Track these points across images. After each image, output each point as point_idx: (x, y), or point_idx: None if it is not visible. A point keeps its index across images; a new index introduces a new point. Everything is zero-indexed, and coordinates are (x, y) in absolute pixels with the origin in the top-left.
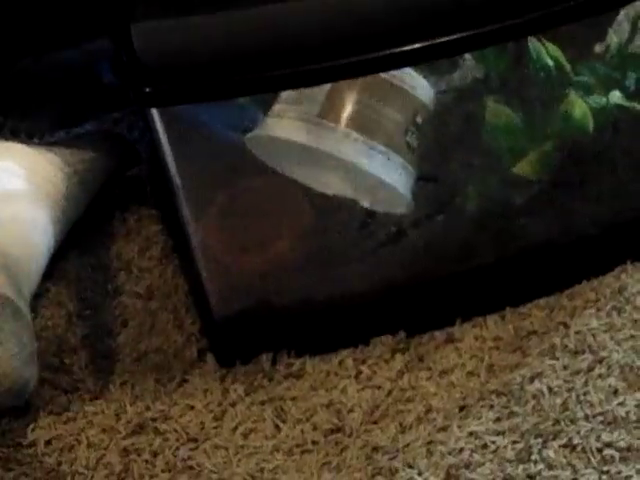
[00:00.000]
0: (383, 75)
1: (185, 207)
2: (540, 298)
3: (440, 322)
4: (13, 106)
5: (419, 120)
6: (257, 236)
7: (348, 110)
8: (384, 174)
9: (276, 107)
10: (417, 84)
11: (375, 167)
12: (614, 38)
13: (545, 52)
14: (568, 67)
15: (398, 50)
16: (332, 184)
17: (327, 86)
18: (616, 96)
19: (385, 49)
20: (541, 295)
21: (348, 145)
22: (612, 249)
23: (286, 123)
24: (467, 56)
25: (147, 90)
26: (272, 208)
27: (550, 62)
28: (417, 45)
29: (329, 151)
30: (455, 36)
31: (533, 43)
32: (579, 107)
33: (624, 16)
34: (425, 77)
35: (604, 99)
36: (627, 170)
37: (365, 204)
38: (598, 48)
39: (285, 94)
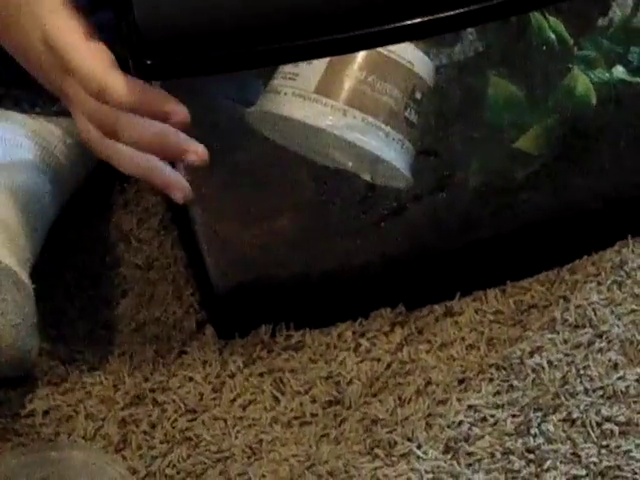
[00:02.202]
0: (381, 50)
1: (184, 178)
2: (540, 273)
3: (440, 296)
4: (15, 76)
5: (418, 96)
6: (257, 209)
7: (345, 86)
8: (382, 151)
9: (274, 82)
10: (416, 59)
11: (372, 144)
12: (617, 12)
13: (547, 26)
14: (570, 41)
15: (398, 25)
16: (332, 157)
17: (325, 62)
18: (619, 71)
19: (385, 24)
20: (542, 270)
21: (345, 122)
22: (613, 224)
23: (283, 99)
24: (469, 30)
25: (148, 62)
26: (272, 181)
27: (552, 36)
28: (417, 20)
29: (325, 128)
30: (457, 11)
31: (535, 17)
32: (582, 82)
33: None
34: (426, 51)
35: (607, 74)
36: (629, 145)
37: (366, 177)
38: (601, 22)
39: (283, 69)
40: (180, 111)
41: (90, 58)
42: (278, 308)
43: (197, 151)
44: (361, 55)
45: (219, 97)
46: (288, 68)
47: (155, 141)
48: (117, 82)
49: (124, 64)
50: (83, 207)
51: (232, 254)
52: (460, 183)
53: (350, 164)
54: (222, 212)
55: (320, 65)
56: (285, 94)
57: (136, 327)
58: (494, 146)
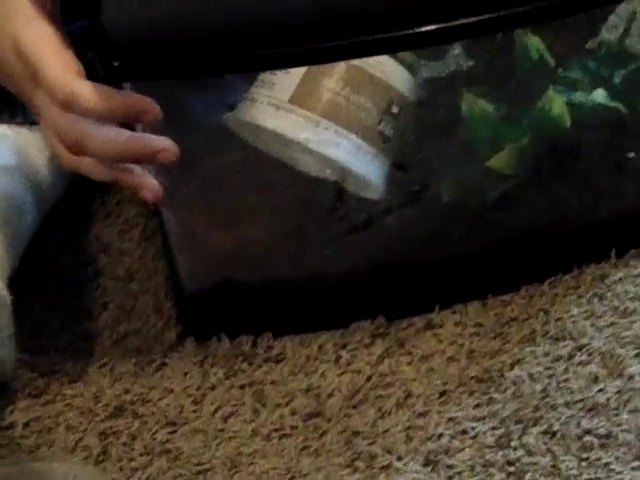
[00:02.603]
0: (358, 63)
1: (157, 179)
2: (521, 288)
3: (420, 308)
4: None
5: (395, 110)
6: (229, 213)
7: (320, 97)
8: (352, 164)
9: (251, 89)
10: (394, 73)
11: (343, 157)
12: (606, 34)
13: (530, 45)
14: (552, 62)
15: (380, 37)
16: (306, 164)
17: (301, 71)
18: (599, 94)
19: (365, 35)
20: (521, 285)
21: (317, 133)
22: (592, 242)
23: (258, 107)
24: (455, 44)
25: (115, 64)
26: (247, 185)
27: (535, 56)
28: (401, 33)
29: (297, 139)
30: (440, 25)
31: (519, 36)
32: (557, 103)
33: (618, 13)
34: (411, 63)
35: (588, 97)
36: (605, 167)
37: (342, 184)
38: (591, 44)
39: (261, 77)
40: (152, 108)
41: (58, 67)
42: (248, 314)
43: (168, 148)
44: (337, 67)
45: (194, 103)
46: (265, 76)
47: (124, 149)
48: (84, 88)
49: (94, 74)
50: (64, 218)
51: (202, 256)
52: (433, 198)
53: (324, 172)
54: (193, 214)
55: (296, 75)
56: (261, 102)
57: (117, 339)
58: (467, 163)
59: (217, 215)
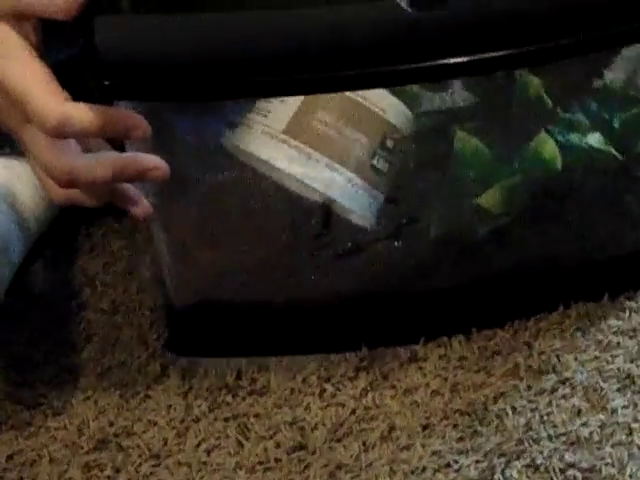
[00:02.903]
0: (352, 96)
1: (150, 197)
2: (505, 324)
3: (404, 339)
4: None
5: (389, 144)
6: (218, 233)
7: (314, 129)
8: (343, 197)
9: (248, 116)
10: (390, 107)
11: (334, 190)
12: (609, 76)
13: (529, 85)
14: (550, 103)
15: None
16: (296, 189)
17: (296, 102)
18: (595, 138)
19: (364, 68)
20: (506, 320)
21: (308, 166)
22: (580, 283)
23: (252, 135)
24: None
25: (105, 83)
26: (235, 206)
27: (533, 96)
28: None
29: (288, 171)
30: (445, 61)
31: (520, 75)
32: (549, 146)
33: (623, 56)
34: (413, 95)
35: (583, 139)
36: (598, 211)
37: (331, 208)
38: (595, 84)
39: (257, 104)
40: (141, 124)
41: (46, 96)
42: (234, 332)
43: (158, 166)
44: (333, 99)
45: (187, 119)
46: (261, 104)
47: (115, 172)
48: (74, 109)
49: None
50: (48, 251)
51: (191, 273)
52: (421, 231)
53: (314, 197)
54: (182, 232)
55: (292, 105)
56: (255, 130)
57: (101, 371)
58: (457, 199)
59: (206, 234)
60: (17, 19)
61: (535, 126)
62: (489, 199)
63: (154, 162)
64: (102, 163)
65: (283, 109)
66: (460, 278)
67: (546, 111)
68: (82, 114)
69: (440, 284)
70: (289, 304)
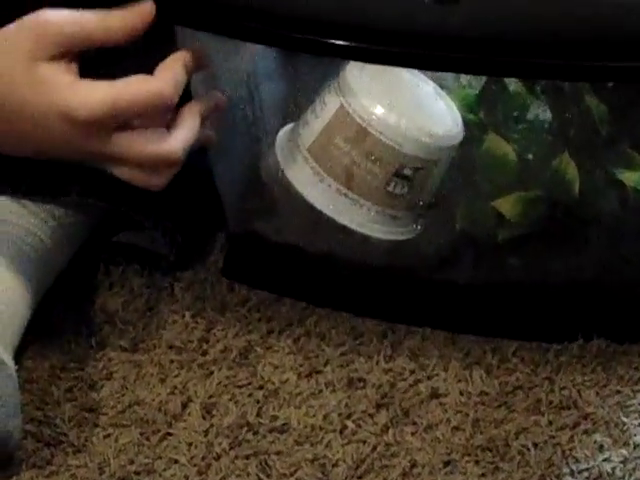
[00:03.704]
0: (369, 129)
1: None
2: (525, 337)
3: (419, 320)
4: (10, 168)
5: (407, 172)
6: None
7: (329, 154)
8: (350, 220)
9: (300, 119)
10: (407, 140)
11: (341, 213)
12: None
13: (593, 108)
14: (605, 131)
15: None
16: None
17: (322, 124)
18: (632, 178)
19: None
20: (525, 336)
21: (320, 189)
22: (599, 315)
23: (285, 152)
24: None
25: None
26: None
27: (596, 120)
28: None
29: (301, 191)
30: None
31: (591, 96)
32: (571, 169)
33: None
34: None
35: (630, 176)
36: (618, 248)
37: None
38: None
39: (309, 113)
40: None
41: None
42: (277, 266)
43: (219, 99)
44: (349, 128)
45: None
46: (309, 114)
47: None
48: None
49: None
50: (68, 288)
51: (245, 206)
52: (444, 228)
53: None
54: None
55: (319, 125)
56: (290, 137)
57: (121, 409)
58: (480, 200)
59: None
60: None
61: (587, 153)
62: (505, 205)
63: (215, 97)
64: (185, 123)
65: (313, 126)
66: (481, 278)
67: (601, 140)
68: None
69: (462, 279)
70: (323, 258)
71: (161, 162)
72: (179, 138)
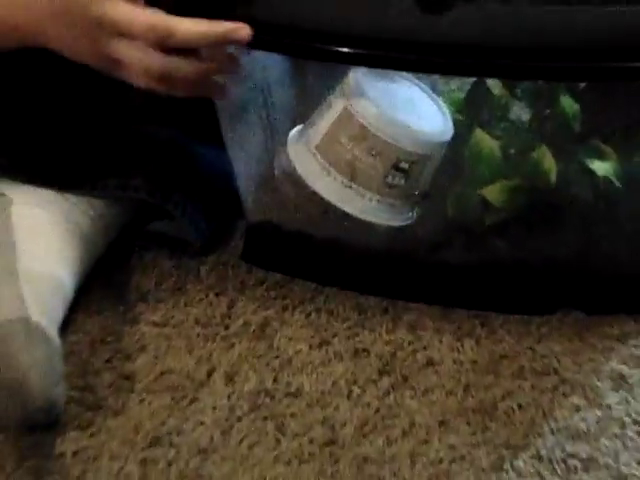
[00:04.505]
0: (369, 128)
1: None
2: (512, 312)
3: (419, 297)
4: (48, 160)
5: (404, 165)
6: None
7: (334, 150)
8: (353, 208)
9: (309, 119)
10: (403, 137)
11: (346, 202)
12: None
13: (567, 107)
14: (577, 127)
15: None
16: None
17: (328, 124)
18: (603, 168)
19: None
20: (512, 310)
21: (326, 181)
22: (576, 292)
23: (297, 141)
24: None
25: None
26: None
27: (568, 118)
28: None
29: (311, 184)
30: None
31: (565, 96)
32: (547, 159)
33: None
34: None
35: (603, 166)
36: (592, 229)
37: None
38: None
39: (312, 116)
40: (240, 26)
41: (144, 17)
42: (291, 252)
43: (241, 26)
44: (351, 126)
45: None
46: (316, 116)
47: (207, 42)
48: (179, 23)
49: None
50: (106, 271)
51: (263, 199)
52: (436, 214)
53: None
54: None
55: (326, 124)
56: (300, 136)
57: (154, 377)
58: (468, 189)
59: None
60: None
61: (564, 147)
62: (491, 192)
63: (237, 24)
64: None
65: (322, 124)
66: (470, 259)
67: (575, 134)
68: (186, 25)
69: (453, 260)
70: (332, 243)
71: (165, 35)
72: (185, 23)
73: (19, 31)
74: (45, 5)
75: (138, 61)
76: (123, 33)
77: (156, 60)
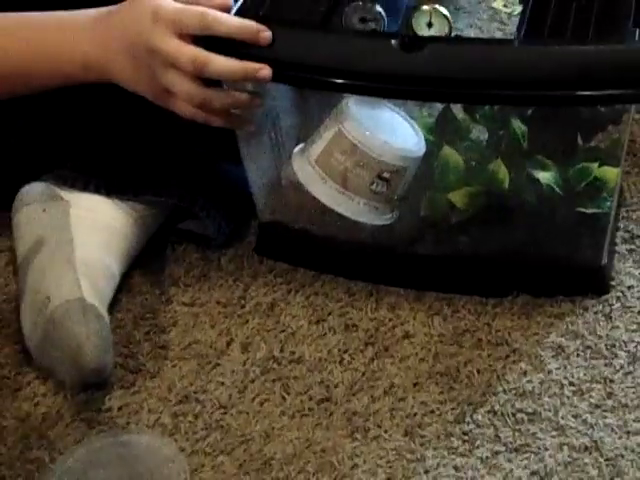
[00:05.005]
0: (358, 145)
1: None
2: (473, 293)
3: (396, 282)
4: (97, 169)
5: (386, 175)
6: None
7: (330, 163)
8: (345, 211)
9: (310, 137)
10: (385, 151)
11: (339, 206)
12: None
13: (516, 129)
14: (525, 147)
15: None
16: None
17: (326, 140)
18: (545, 177)
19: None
20: (472, 293)
21: (323, 188)
22: (524, 275)
23: (299, 156)
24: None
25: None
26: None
27: (516, 138)
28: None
29: (311, 190)
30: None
31: (515, 120)
32: (502, 170)
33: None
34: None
35: (546, 176)
36: (535, 227)
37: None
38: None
39: (316, 131)
40: (263, 66)
41: (188, 49)
42: (298, 247)
43: (264, 67)
44: (345, 145)
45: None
46: (315, 135)
47: (235, 77)
48: (215, 57)
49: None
50: (146, 261)
51: (272, 199)
52: (412, 214)
53: None
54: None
55: (324, 140)
56: (302, 152)
57: (184, 347)
58: (438, 193)
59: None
60: None
61: (513, 160)
62: (456, 196)
63: (260, 65)
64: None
65: (320, 142)
66: (439, 250)
67: (523, 151)
68: (219, 60)
69: (426, 251)
70: (328, 241)
71: (203, 66)
72: (220, 59)
73: (90, 66)
74: (114, 42)
75: (183, 89)
76: (172, 63)
77: (196, 90)
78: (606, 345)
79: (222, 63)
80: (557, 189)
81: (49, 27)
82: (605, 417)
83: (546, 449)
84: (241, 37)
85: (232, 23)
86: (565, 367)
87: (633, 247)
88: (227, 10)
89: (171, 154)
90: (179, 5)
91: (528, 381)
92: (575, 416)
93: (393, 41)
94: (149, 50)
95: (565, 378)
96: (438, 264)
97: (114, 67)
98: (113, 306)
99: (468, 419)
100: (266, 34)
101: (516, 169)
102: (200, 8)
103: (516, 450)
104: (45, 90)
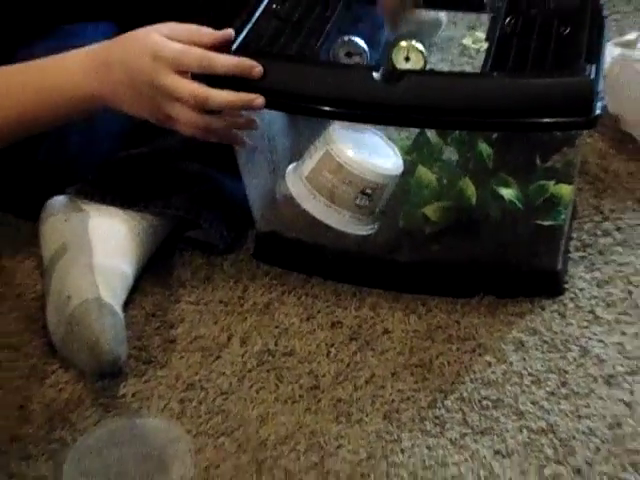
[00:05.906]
0: (344, 164)
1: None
2: (446, 295)
3: (377, 284)
4: (113, 185)
5: (369, 191)
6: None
7: (319, 179)
8: (333, 223)
9: (304, 155)
10: (367, 171)
11: (327, 218)
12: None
13: (483, 151)
14: (490, 165)
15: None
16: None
17: (316, 159)
18: (508, 193)
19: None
20: (445, 294)
21: (313, 203)
22: (489, 279)
23: (293, 173)
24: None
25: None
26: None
27: (483, 158)
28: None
29: (303, 205)
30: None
31: (482, 143)
32: (469, 187)
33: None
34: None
35: (508, 192)
36: (500, 236)
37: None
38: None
39: (308, 150)
40: (256, 97)
41: (189, 85)
42: (292, 254)
43: (258, 97)
44: (332, 164)
45: None
46: (306, 156)
47: (232, 107)
48: (214, 92)
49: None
50: (156, 265)
51: (269, 211)
52: (394, 224)
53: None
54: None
55: (315, 159)
56: (295, 170)
57: (190, 340)
58: (414, 207)
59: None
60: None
61: (478, 177)
62: (430, 210)
63: (254, 95)
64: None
65: (311, 160)
66: (415, 257)
67: (489, 170)
68: (218, 94)
69: (403, 258)
70: (319, 248)
71: (203, 100)
72: (217, 93)
73: (94, 98)
74: (115, 75)
75: (186, 118)
76: (176, 97)
77: (198, 118)
78: (561, 340)
79: (221, 96)
80: (518, 204)
81: (47, 70)
82: (559, 403)
83: (507, 431)
84: (237, 74)
85: (228, 63)
86: (525, 359)
87: (584, 254)
88: (229, 42)
89: (176, 171)
90: (178, 46)
91: (492, 372)
92: (533, 402)
93: (375, 73)
94: (152, 86)
95: (525, 369)
96: (414, 269)
97: (116, 98)
98: (127, 305)
99: (439, 405)
100: (258, 69)
101: (482, 186)
102: (199, 51)
103: (481, 432)
104: (49, 129)
